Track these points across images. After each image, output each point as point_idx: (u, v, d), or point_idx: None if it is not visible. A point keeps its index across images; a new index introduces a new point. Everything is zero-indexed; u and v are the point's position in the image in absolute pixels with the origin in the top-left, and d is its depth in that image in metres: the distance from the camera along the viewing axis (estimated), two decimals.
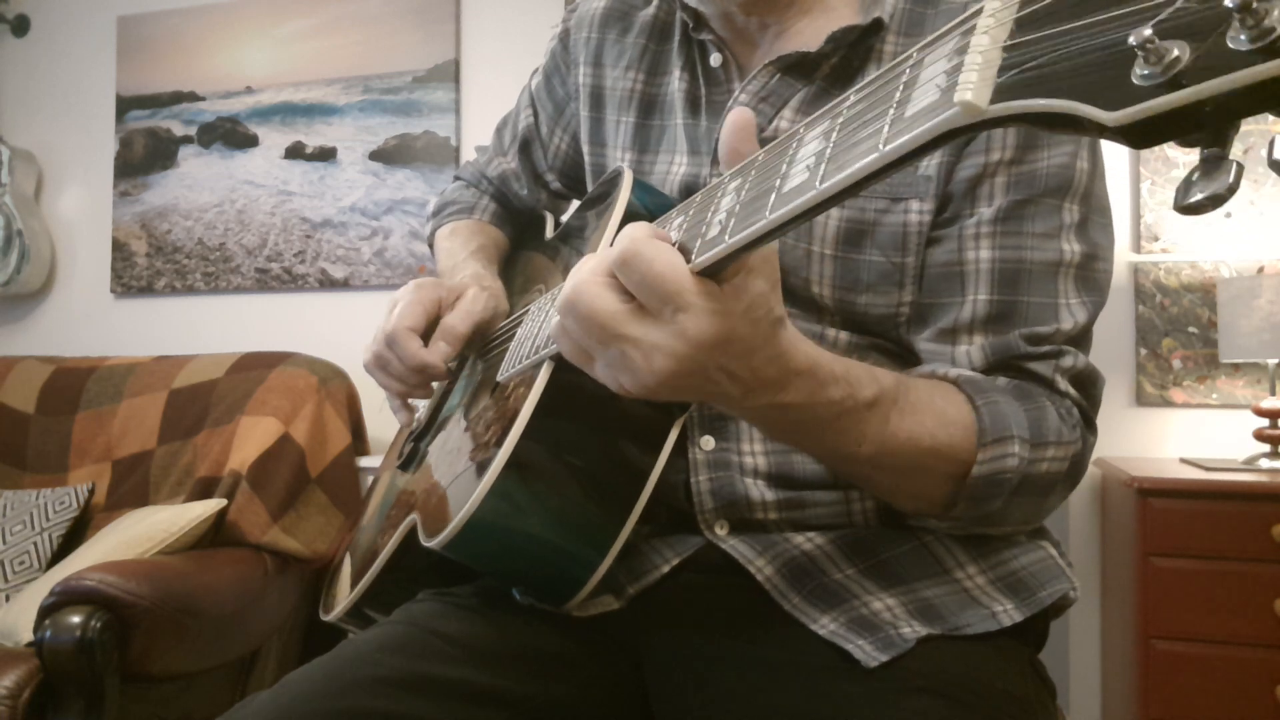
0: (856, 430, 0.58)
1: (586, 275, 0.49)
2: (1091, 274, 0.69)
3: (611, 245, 0.48)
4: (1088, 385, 0.69)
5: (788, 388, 0.53)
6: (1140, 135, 0.28)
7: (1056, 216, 0.68)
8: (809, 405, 0.55)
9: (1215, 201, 0.28)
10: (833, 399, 0.55)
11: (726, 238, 0.44)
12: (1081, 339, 0.69)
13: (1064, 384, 0.68)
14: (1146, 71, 0.27)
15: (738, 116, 0.49)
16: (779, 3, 0.75)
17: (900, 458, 0.60)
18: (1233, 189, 0.28)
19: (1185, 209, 0.29)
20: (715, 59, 0.79)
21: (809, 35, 0.74)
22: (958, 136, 0.33)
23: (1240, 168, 0.28)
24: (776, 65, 0.74)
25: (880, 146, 0.35)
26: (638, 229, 0.47)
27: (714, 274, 0.47)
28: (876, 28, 0.72)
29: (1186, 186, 0.29)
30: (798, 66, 0.74)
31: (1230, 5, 0.25)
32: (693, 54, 0.81)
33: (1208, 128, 0.27)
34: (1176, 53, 0.26)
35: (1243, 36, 0.25)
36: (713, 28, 0.79)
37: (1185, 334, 2.07)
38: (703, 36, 0.79)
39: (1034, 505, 0.67)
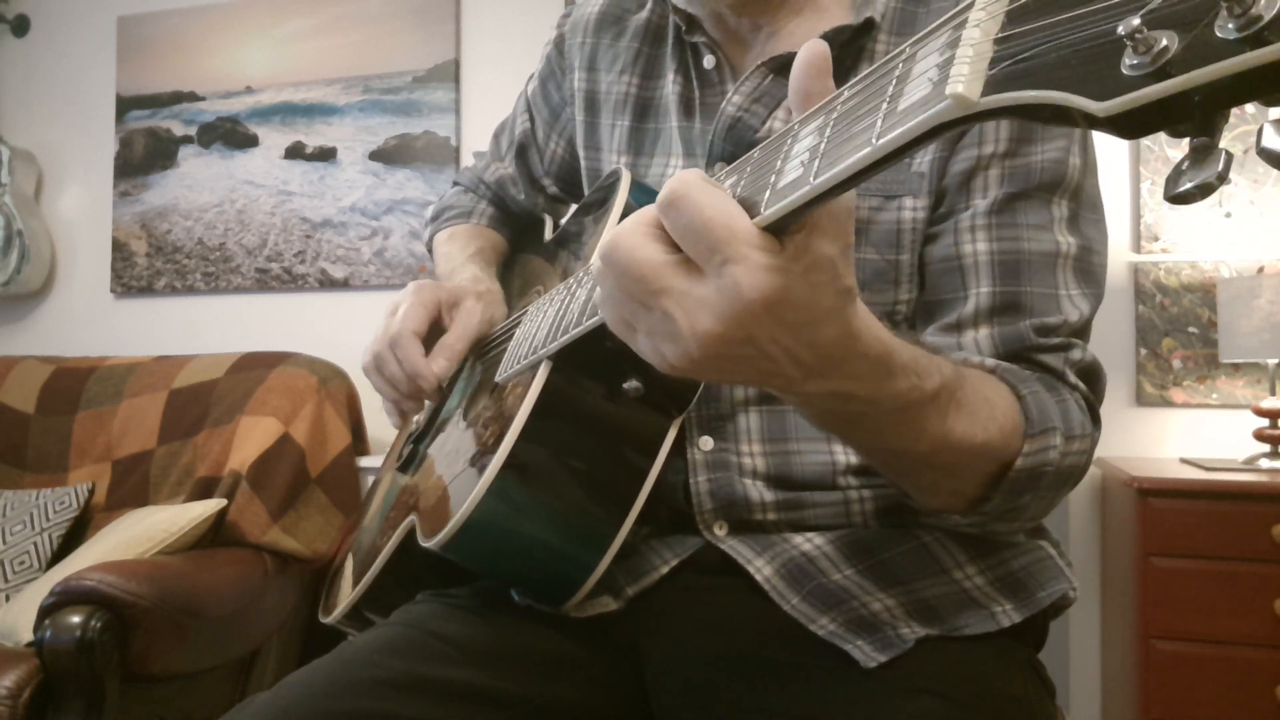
0: (917, 425, 0.54)
1: (628, 224, 0.44)
2: (1089, 267, 0.69)
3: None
4: (1093, 379, 0.69)
5: (854, 375, 0.48)
6: (1130, 125, 0.28)
7: (1048, 210, 0.68)
8: (874, 397, 0.50)
9: (1204, 190, 0.28)
10: (899, 391, 0.50)
11: None
12: (1084, 332, 0.69)
13: (1073, 377, 0.67)
14: (1135, 61, 0.27)
15: (809, 52, 0.43)
16: (770, 3, 0.75)
17: (953, 454, 0.57)
18: (1222, 177, 0.28)
19: (1175, 198, 0.29)
20: (708, 61, 0.79)
21: (801, 36, 0.74)
22: (950, 129, 0.33)
23: (1230, 156, 0.28)
24: (769, 66, 0.74)
25: (873, 140, 0.35)
26: (689, 173, 0.42)
27: (777, 231, 0.42)
28: (868, 27, 0.72)
29: (1176, 176, 0.29)
30: (790, 67, 0.74)
31: None
32: (686, 56, 0.81)
33: (1197, 117, 0.28)
34: (1165, 42, 0.27)
35: (1230, 25, 0.25)
36: (705, 30, 0.79)
37: (1185, 334, 2.07)
38: (695, 39, 0.79)
39: (1051, 500, 0.66)
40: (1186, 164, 0.29)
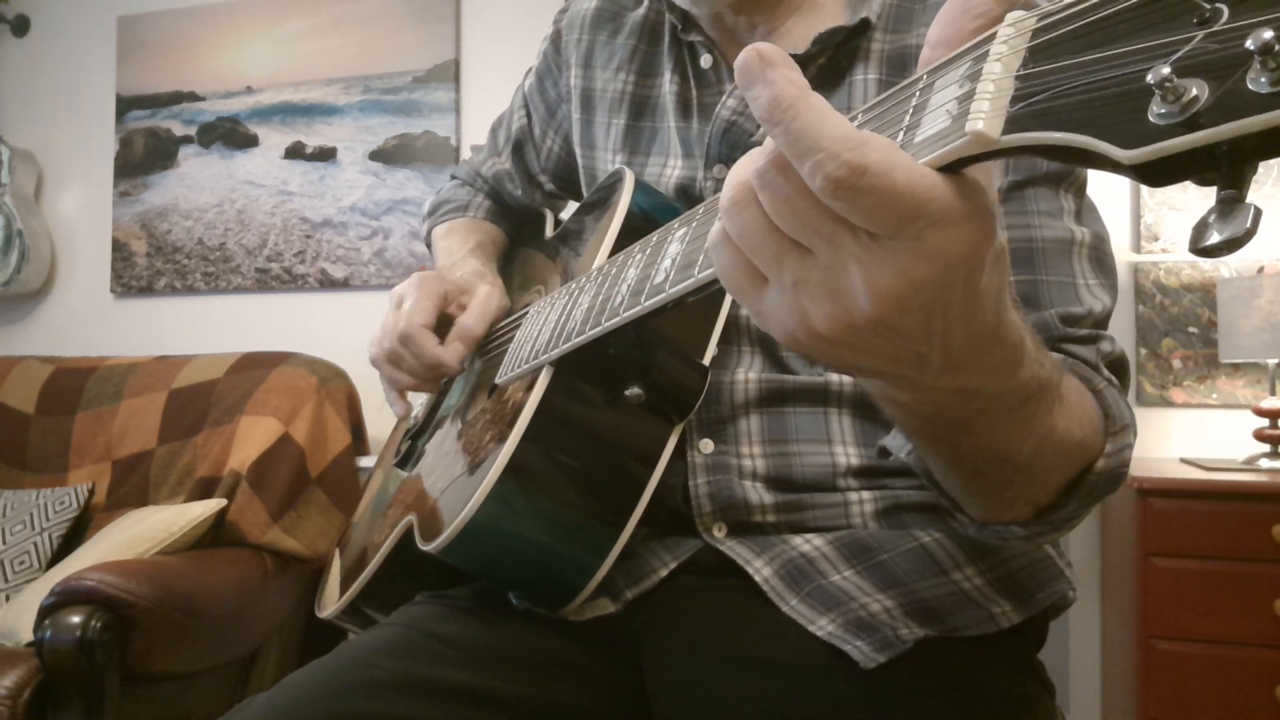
0: (1029, 424, 0.47)
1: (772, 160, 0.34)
2: (1103, 257, 0.67)
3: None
4: (1124, 374, 0.66)
5: (988, 368, 0.41)
6: (1156, 174, 0.28)
7: (1057, 199, 0.67)
8: (998, 393, 0.43)
9: (1233, 245, 0.27)
10: (1022, 383, 0.44)
11: None
12: (1106, 325, 0.67)
13: (1106, 371, 0.64)
14: (1164, 110, 0.27)
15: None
16: (768, 2, 0.75)
17: (1052, 455, 0.51)
18: (1250, 233, 0.27)
19: (1202, 252, 0.28)
20: (705, 60, 0.79)
21: (798, 36, 0.74)
22: (967, 165, 0.33)
23: (1259, 212, 0.27)
24: None
25: None
26: (833, 118, 0.32)
27: None
28: (864, 28, 0.72)
29: (1203, 228, 0.28)
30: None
31: (1251, 47, 0.25)
32: (683, 55, 0.81)
33: (1224, 169, 0.27)
34: (1195, 92, 0.26)
35: (1263, 79, 0.25)
36: (702, 28, 0.79)
37: (1185, 334, 2.07)
38: (692, 38, 0.79)
39: (1093, 508, 0.59)
40: (1213, 216, 0.28)
